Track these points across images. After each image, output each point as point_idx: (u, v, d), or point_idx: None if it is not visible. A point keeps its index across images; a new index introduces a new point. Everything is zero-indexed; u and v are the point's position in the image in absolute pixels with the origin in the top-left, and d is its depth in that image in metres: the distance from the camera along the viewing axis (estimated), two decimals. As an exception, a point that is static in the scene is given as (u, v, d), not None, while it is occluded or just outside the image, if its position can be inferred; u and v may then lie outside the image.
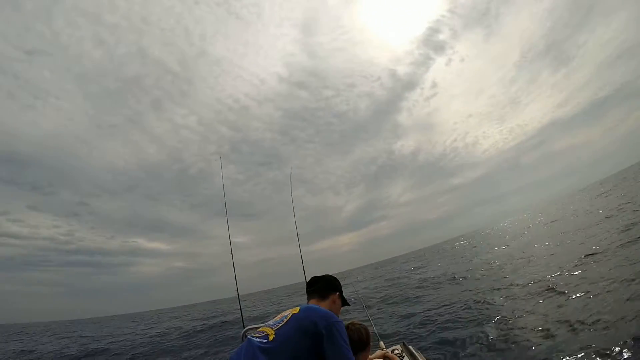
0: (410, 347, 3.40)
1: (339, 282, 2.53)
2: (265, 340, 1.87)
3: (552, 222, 25.09)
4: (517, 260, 13.66)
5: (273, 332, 1.91)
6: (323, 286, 2.43)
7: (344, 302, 2.52)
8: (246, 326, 3.49)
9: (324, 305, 2.27)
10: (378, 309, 11.44)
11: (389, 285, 18.32)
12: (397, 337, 7.65)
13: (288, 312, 2.07)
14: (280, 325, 1.96)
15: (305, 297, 2.50)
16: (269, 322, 2.07)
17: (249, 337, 1.97)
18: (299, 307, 2.09)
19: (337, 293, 2.45)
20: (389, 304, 12.23)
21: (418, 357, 3.12)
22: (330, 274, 2.55)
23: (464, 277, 13.58)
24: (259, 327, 2.16)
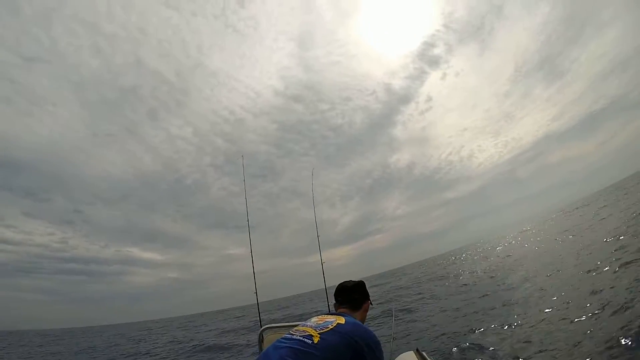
0: (424, 353, 3.31)
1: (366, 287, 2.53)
2: (310, 342, 1.84)
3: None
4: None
5: (318, 335, 1.88)
6: (358, 296, 2.40)
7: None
8: (263, 325, 3.38)
9: (357, 316, 2.27)
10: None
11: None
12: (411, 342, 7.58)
13: (332, 319, 2.04)
14: (325, 330, 1.92)
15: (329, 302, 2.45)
16: (308, 323, 2.04)
17: (287, 334, 1.96)
18: (344, 318, 2.05)
19: (369, 301, 2.45)
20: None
21: None
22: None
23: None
24: (293, 327, 2.16)
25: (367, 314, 2.46)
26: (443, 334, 7.78)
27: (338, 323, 1.98)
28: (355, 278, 2.53)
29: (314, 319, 2.09)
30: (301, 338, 1.86)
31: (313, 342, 1.83)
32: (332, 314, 2.17)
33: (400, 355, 3.51)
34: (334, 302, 2.42)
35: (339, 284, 2.47)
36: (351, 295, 2.39)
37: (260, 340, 3.20)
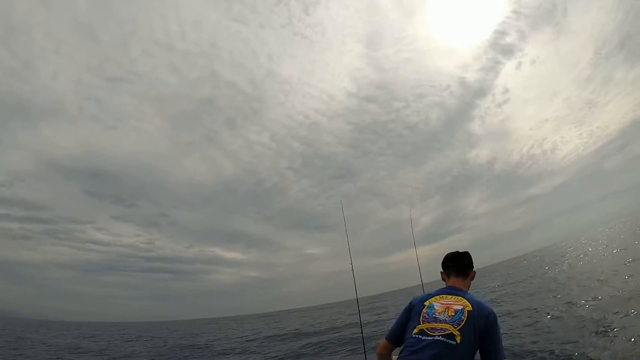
0: None
1: None
2: (454, 343, 1.83)
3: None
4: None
5: (458, 333, 1.85)
6: (468, 264, 2.36)
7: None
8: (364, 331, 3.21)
9: (467, 284, 2.32)
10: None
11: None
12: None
13: (458, 305, 2.01)
14: (462, 324, 1.89)
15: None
16: (439, 316, 1.97)
17: (421, 334, 1.93)
18: (468, 302, 2.03)
19: (474, 270, 2.40)
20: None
21: None
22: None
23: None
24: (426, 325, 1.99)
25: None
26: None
27: (468, 311, 1.95)
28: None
29: (438, 307, 2.03)
30: (443, 339, 1.84)
31: (457, 343, 1.82)
32: (450, 294, 2.13)
33: None
34: (443, 270, 2.41)
35: (450, 253, 2.44)
36: (463, 262, 2.36)
37: None
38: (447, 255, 2.44)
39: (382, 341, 2.28)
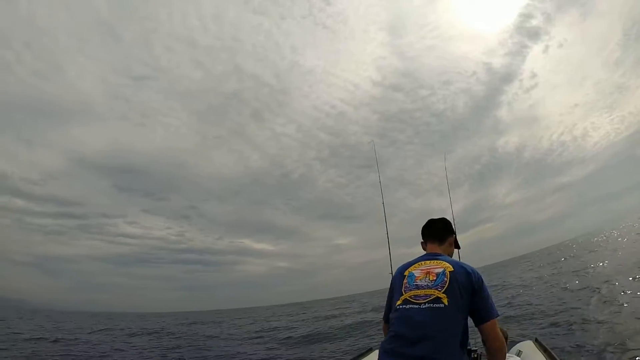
0: (545, 345, 3.22)
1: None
2: (442, 305, 1.80)
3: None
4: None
5: (444, 295, 1.83)
6: (442, 229, 2.33)
7: (456, 245, 2.43)
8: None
9: (442, 249, 2.26)
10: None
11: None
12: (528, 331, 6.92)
13: (439, 269, 1.96)
14: (446, 286, 1.86)
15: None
16: (420, 282, 1.94)
17: (406, 304, 1.90)
18: (448, 263, 1.99)
19: (454, 236, 2.36)
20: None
21: (555, 356, 2.96)
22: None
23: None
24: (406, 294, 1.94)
25: (458, 253, 2.47)
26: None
27: (449, 272, 1.92)
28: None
29: (418, 274, 2.00)
30: (430, 305, 1.82)
31: (445, 305, 1.80)
32: (429, 259, 2.10)
33: (520, 344, 3.44)
34: (422, 240, 2.37)
35: (427, 221, 2.41)
36: (438, 226, 2.34)
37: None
38: (425, 223, 2.46)
39: (383, 324, 2.31)
